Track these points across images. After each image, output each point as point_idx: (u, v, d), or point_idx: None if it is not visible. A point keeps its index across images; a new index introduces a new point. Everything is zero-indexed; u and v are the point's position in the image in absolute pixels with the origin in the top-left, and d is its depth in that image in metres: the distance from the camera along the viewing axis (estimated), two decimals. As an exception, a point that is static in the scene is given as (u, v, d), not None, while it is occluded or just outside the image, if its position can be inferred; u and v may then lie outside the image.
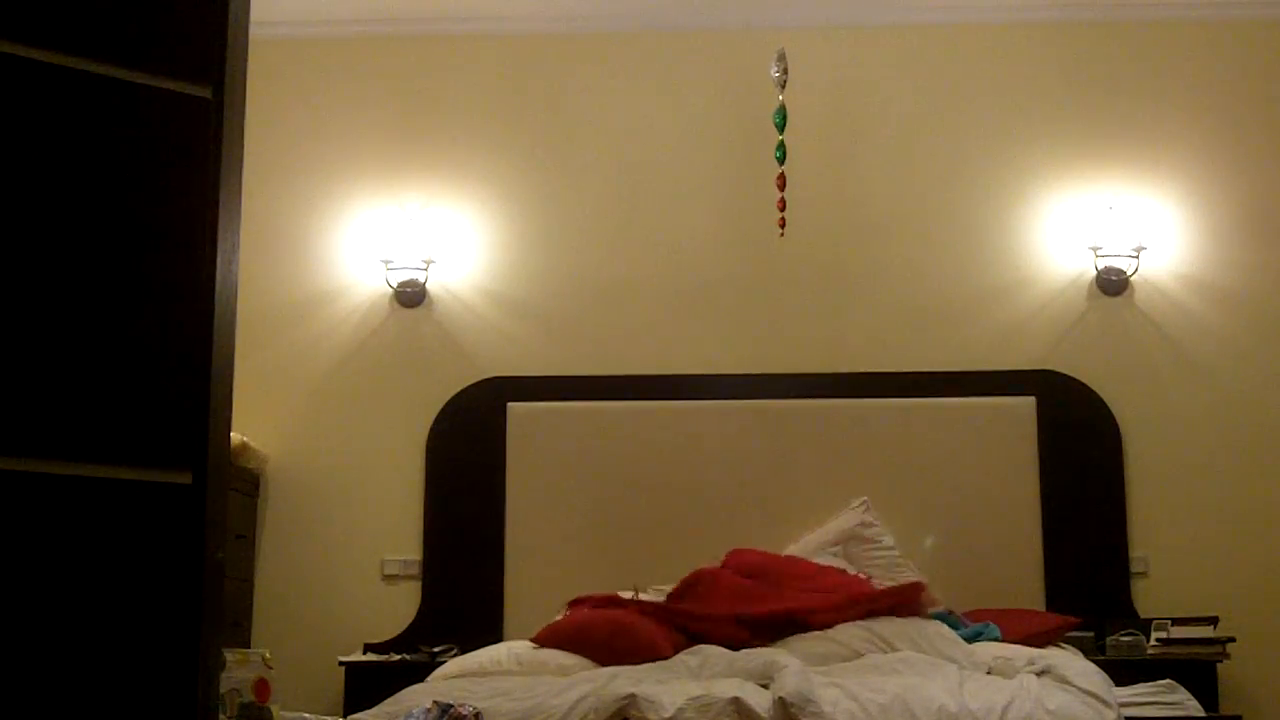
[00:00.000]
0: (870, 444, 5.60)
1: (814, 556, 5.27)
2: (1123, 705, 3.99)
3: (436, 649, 5.24)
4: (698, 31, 5.97)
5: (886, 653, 4.32)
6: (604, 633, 4.65)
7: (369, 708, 4.05)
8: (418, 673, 4.79)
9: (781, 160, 5.14)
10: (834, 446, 5.58)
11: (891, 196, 5.85)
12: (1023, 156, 5.81)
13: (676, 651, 4.47)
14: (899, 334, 5.73)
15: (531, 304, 5.85)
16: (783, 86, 5.17)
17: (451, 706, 3.71)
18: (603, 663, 4.49)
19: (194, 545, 1.34)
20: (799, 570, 5.10)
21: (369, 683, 4.96)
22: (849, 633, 4.48)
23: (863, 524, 5.40)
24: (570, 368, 5.75)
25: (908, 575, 5.27)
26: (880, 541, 5.37)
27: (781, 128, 5.15)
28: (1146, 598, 5.46)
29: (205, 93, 1.38)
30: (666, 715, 3.62)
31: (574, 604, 5.00)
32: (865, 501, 5.45)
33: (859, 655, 4.32)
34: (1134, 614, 5.35)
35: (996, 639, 4.72)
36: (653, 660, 4.40)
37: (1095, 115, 5.81)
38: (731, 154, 5.84)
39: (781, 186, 5.14)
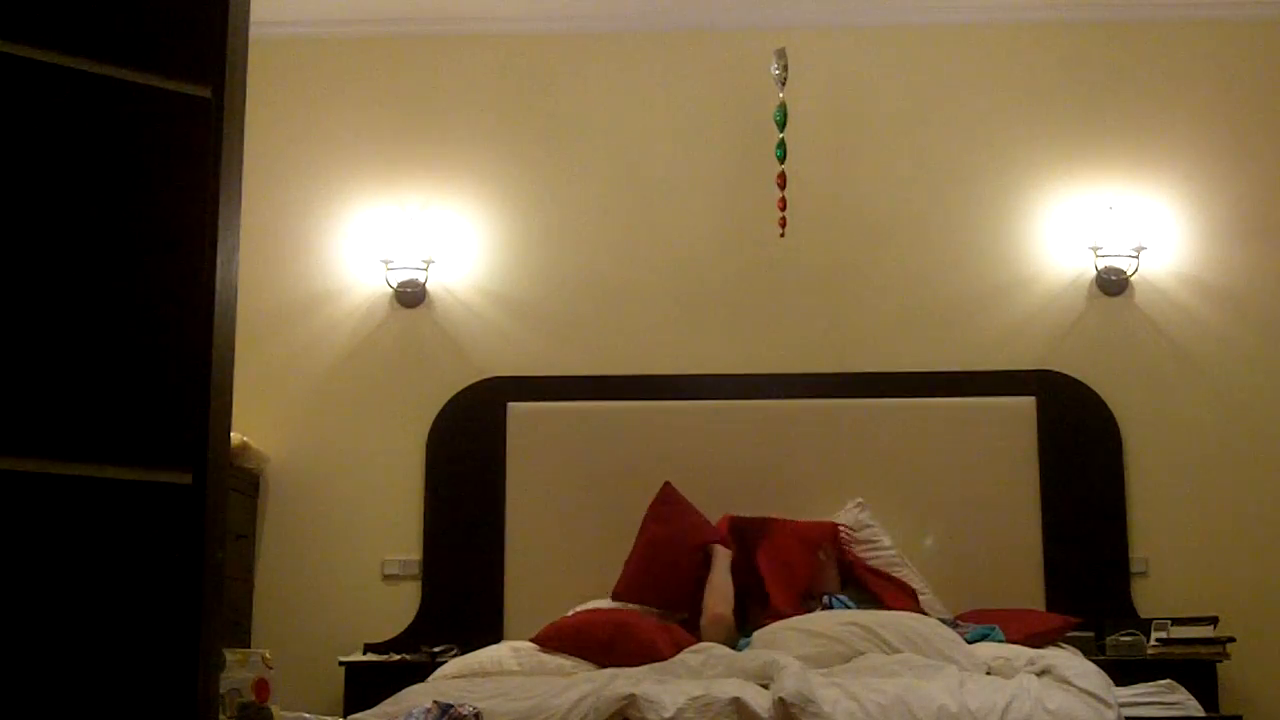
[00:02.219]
0: (870, 444, 5.60)
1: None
2: (1123, 705, 3.98)
3: (436, 649, 5.24)
4: (698, 31, 5.97)
5: (887, 653, 4.31)
6: (604, 633, 4.66)
7: (369, 708, 4.05)
8: (418, 673, 4.79)
9: (782, 159, 5.13)
10: (834, 447, 5.58)
11: (891, 196, 5.85)
12: (1023, 156, 5.81)
13: (677, 652, 4.47)
14: (899, 334, 5.73)
15: (531, 304, 5.85)
16: (783, 84, 5.17)
17: (451, 706, 3.71)
18: (602, 663, 4.49)
19: (194, 545, 1.34)
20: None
21: (369, 683, 4.96)
22: (847, 631, 4.48)
23: (857, 524, 5.40)
24: (570, 368, 5.75)
25: (906, 575, 5.28)
26: (877, 542, 5.36)
27: (782, 125, 5.14)
28: (1146, 598, 5.46)
29: (205, 93, 1.38)
30: (667, 715, 3.62)
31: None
32: (860, 502, 5.45)
33: (859, 654, 4.32)
34: (1134, 614, 5.35)
35: (1001, 642, 4.71)
36: (652, 661, 4.40)
37: (1095, 115, 5.81)
38: (731, 154, 5.84)
39: (782, 185, 5.14)
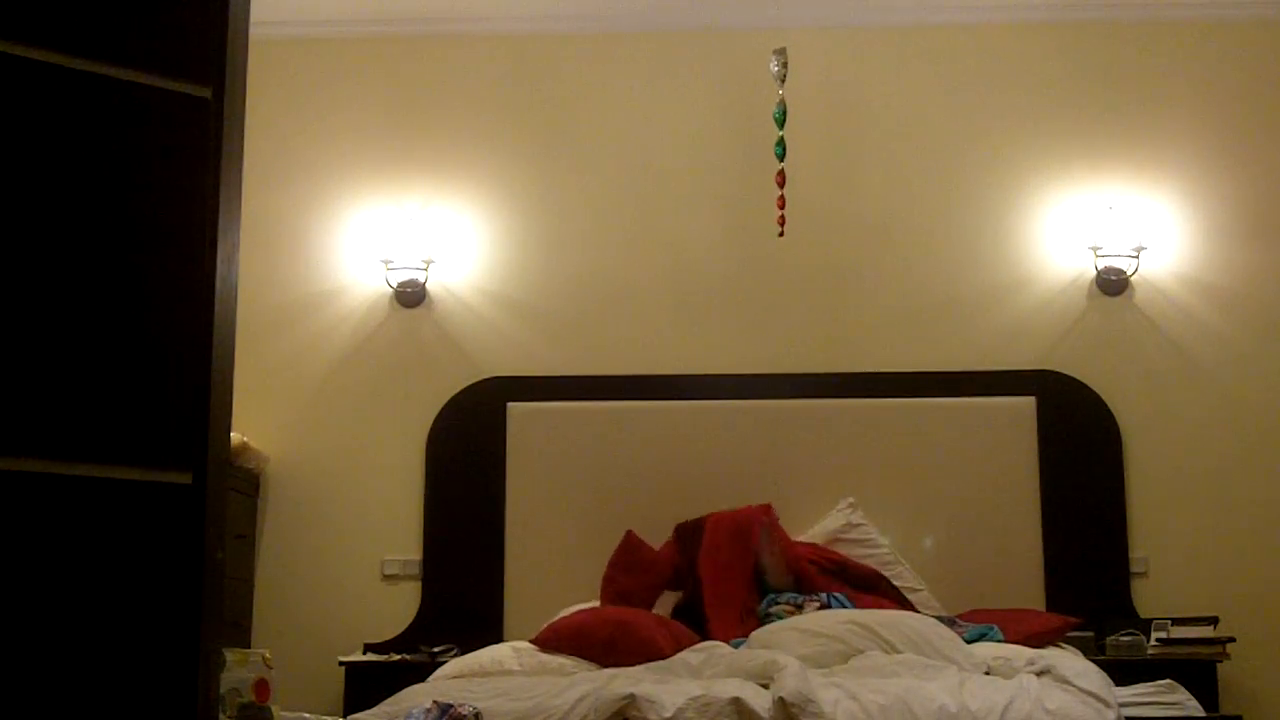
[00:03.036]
0: (870, 444, 5.59)
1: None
2: (1123, 705, 3.98)
3: (436, 649, 5.24)
4: (698, 31, 5.97)
5: (887, 653, 4.31)
6: (604, 632, 4.65)
7: (369, 708, 4.05)
8: (418, 673, 4.79)
9: (781, 157, 5.13)
10: (834, 446, 5.57)
11: (891, 196, 5.85)
12: (1023, 156, 5.81)
13: (676, 651, 4.47)
14: (899, 334, 5.73)
15: (531, 304, 5.85)
16: (782, 80, 5.17)
17: (451, 706, 3.71)
18: (603, 662, 4.48)
19: (194, 545, 1.34)
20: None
21: (369, 683, 4.96)
22: (847, 630, 4.48)
23: (848, 525, 5.39)
24: (570, 368, 5.75)
25: (901, 572, 5.27)
26: (871, 540, 5.36)
27: (781, 123, 5.14)
28: (1146, 598, 5.46)
29: (205, 93, 1.38)
30: (666, 715, 3.62)
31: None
32: (851, 502, 5.44)
33: (859, 652, 4.31)
34: (1134, 614, 5.35)
35: (999, 641, 4.71)
36: (653, 659, 4.39)
37: (1095, 115, 5.81)
38: (732, 154, 5.84)
39: (781, 184, 5.14)
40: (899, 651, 4.30)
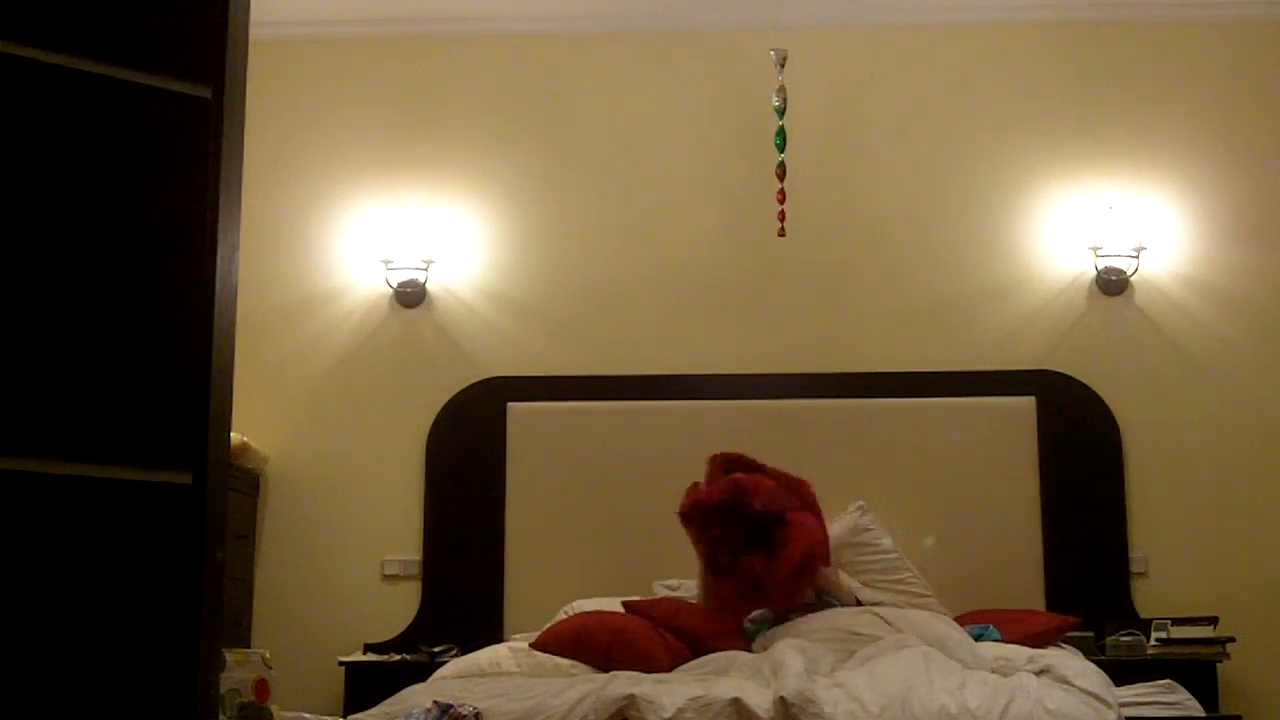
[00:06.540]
0: (870, 444, 5.59)
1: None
2: (1123, 705, 3.98)
3: (436, 649, 5.24)
4: (698, 31, 5.97)
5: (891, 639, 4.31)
6: (603, 640, 4.62)
7: (369, 708, 4.05)
8: (418, 673, 4.79)
9: (781, 148, 5.11)
10: (834, 446, 5.57)
11: (891, 196, 5.85)
12: (1023, 156, 5.81)
13: (673, 665, 4.44)
14: (899, 334, 5.73)
15: (531, 304, 5.85)
16: (781, 65, 5.15)
17: (451, 706, 3.71)
18: (601, 668, 4.47)
19: (194, 545, 1.34)
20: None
21: (369, 683, 4.96)
22: (868, 621, 4.49)
23: (857, 528, 5.38)
24: (570, 368, 5.75)
25: (906, 578, 5.27)
26: (878, 545, 5.35)
27: (781, 113, 5.12)
28: (1146, 598, 5.46)
29: (205, 93, 1.38)
30: (666, 716, 3.62)
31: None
32: (861, 506, 5.42)
33: (876, 639, 4.33)
34: (1134, 614, 5.35)
35: (996, 640, 4.71)
36: (650, 670, 4.37)
37: (1095, 115, 5.81)
38: (731, 154, 5.84)
39: (781, 177, 5.14)
40: (910, 646, 4.27)
